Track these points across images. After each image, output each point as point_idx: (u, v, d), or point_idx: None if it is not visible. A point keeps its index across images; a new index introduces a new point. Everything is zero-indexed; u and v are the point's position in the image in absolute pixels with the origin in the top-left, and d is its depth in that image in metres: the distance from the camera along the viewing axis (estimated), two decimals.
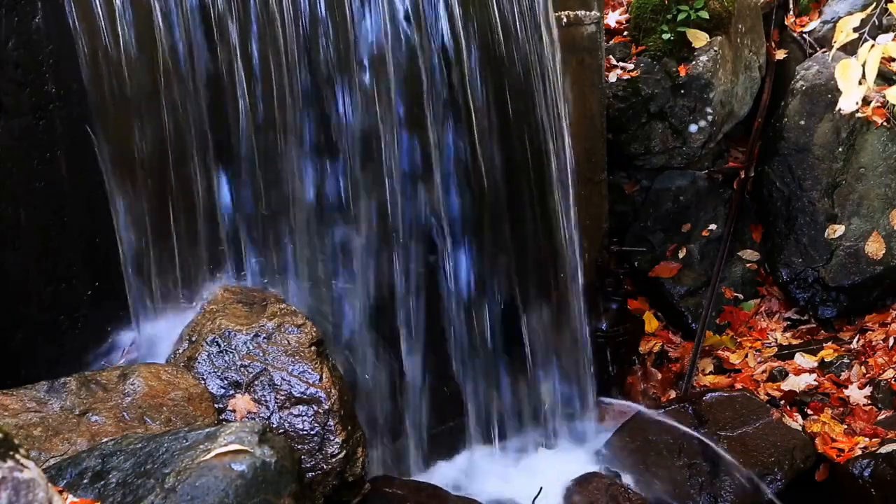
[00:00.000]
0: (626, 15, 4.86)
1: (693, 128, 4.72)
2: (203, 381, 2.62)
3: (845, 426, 3.89)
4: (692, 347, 4.42)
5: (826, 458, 3.68)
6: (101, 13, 2.66)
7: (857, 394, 4.07)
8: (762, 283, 4.77)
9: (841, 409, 4.03)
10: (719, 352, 4.49)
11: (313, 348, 2.71)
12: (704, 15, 4.65)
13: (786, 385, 4.18)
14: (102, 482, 1.96)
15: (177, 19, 2.80)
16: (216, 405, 2.58)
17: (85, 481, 1.98)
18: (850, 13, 3.97)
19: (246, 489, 1.85)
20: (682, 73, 4.65)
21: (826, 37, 4.96)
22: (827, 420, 3.92)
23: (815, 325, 4.58)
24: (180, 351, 2.73)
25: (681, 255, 4.68)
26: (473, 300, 3.57)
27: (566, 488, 3.43)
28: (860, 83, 2.60)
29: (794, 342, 4.51)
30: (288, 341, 2.70)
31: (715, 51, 4.68)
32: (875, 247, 4.47)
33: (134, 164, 2.81)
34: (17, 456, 1.30)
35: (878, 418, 3.91)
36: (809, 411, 4.05)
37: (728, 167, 4.93)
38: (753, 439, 3.62)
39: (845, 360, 4.27)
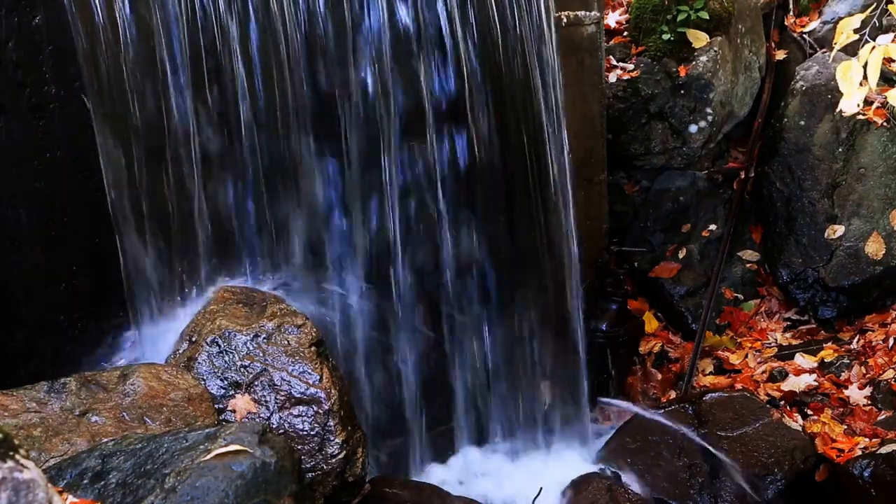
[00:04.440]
0: (626, 15, 4.86)
1: (693, 128, 4.72)
2: (203, 382, 2.62)
3: (845, 426, 3.89)
4: (692, 348, 4.42)
5: (826, 459, 3.67)
6: (100, 13, 2.66)
7: (857, 394, 4.07)
8: (762, 284, 4.77)
9: (841, 409, 4.03)
10: (719, 352, 4.49)
11: (313, 348, 2.71)
12: (704, 15, 4.65)
13: (786, 385, 4.18)
14: (102, 482, 1.96)
15: (176, 19, 2.80)
16: (216, 405, 2.58)
17: (85, 481, 1.98)
18: (850, 14, 3.98)
19: (246, 489, 1.85)
20: (682, 74, 4.65)
21: (826, 37, 4.96)
22: (827, 420, 3.92)
23: (815, 326, 4.58)
24: (180, 351, 2.73)
25: (681, 255, 4.68)
26: (473, 301, 3.57)
27: (566, 488, 3.43)
28: (861, 85, 2.60)
29: (794, 342, 4.52)
30: (288, 341, 2.70)
31: (715, 51, 4.68)
32: (875, 247, 4.47)
33: (134, 164, 2.81)
34: (17, 456, 1.30)
35: (878, 419, 3.91)
36: (809, 412, 4.05)
37: (728, 167, 4.93)
38: (753, 440, 3.62)
39: (845, 361, 4.27)
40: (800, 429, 3.81)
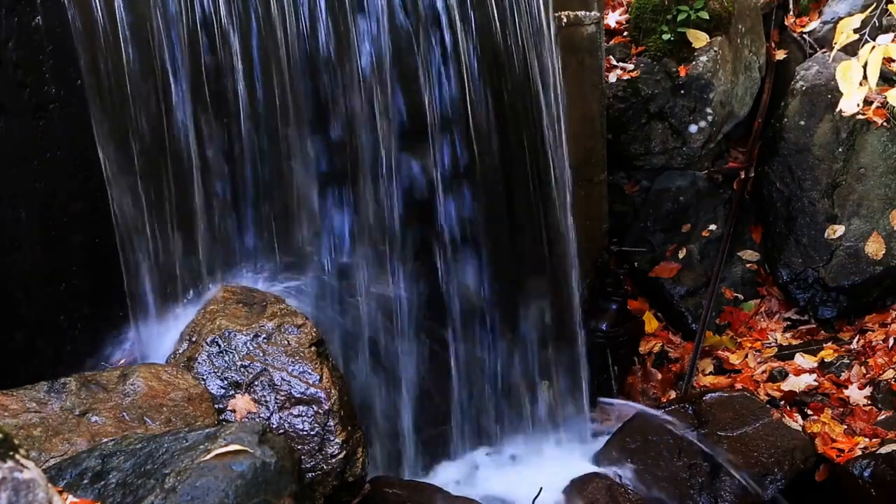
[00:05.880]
0: (626, 15, 4.86)
1: (693, 128, 4.72)
2: (203, 382, 2.62)
3: (845, 426, 3.89)
4: (692, 348, 4.42)
5: (826, 459, 3.67)
6: (100, 13, 2.66)
7: (857, 394, 4.07)
8: (762, 284, 4.77)
9: (841, 409, 4.03)
10: (719, 352, 4.49)
11: (313, 348, 2.70)
12: (704, 15, 4.65)
13: (786, 385, 4.18)
14: (102, 482, 1.96)
15: (176, 19, 2.80)
16: (216, 405, 2.58)
17: (85, 481, 1.98)
18: (850, 14, 3.99)
19: (246, 489, 1.85)
20: (682, 74, 4.65)
21: (826, 37, 4.96)
22: (827, 420, 3.92)
23: (815, 326, 4.58)
24: (180, 351, 2.73)
25: (681, 255, 4.68)
26: (472, 301, 3.57)
27: (566, 488, 3.42)
28: (861, 84, 2.60)
29: (794, 342, 4.52)
30: (288, 341, 2.70)
31: (715, 51, 4.68)
32: (875, 247, 4.47)
33: (134, 164, 2.81)
34: (17, 456, 1.30)
35: (878, 418, 3.91)
36: (809, 411, 4.05)
37: (728, 167, 4.93)
38: (753, 440, 3.62)
39: (845, 361, 4.27)
40: (800, 429, 3.80)
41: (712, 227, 4.75)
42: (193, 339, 2.73)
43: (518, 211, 3.66)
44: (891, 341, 4.29)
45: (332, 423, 2.60)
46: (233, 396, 2.62)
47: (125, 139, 2.78)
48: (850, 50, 3.23)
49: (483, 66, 3.38)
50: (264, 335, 2.71)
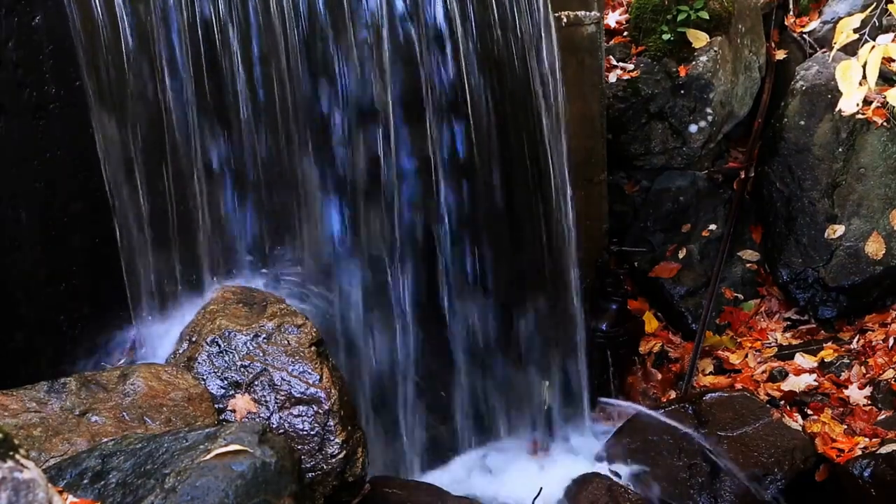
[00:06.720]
0: (626, 15, 4.86)
1: (693, 128, 4.72)
2: (203, 382, 2.62)
3: (845, 426, 3.89)
4: (692, 347, 4.42)
5: (826, 459, 3.67)
6: (101, 13, 2.66)
7: (857, 394, 4.08)
8: (762, 284, 4.77)
9: (841, 409, 4.03)
10: (719, 352, 4.49)
11: (313, 348, 2.70)
12: (704, 15, 4.65)
13: (786, 385, 4.18)
14: (102, 482, 1.96)
15: (176, 18, 2.80)
16: (216, 405, 2.58)
17: (85, 481, 1.98)
18: (849, 14, 3.98)
19: (246, 489, 1.85)
20: (682, 74, 4.65)
21: (826, 37, 4.96)
22: (827, 420, 3.92)
23: (815, 326, 4.58)
24: (180, 351, 2.73)
25: (681, 255, 4.68)
26: (472, 302, 3.57)
27: (566, 488, 3.43)
28: (861, 84, 2.60)
29: (794, 342, 4.52)
30: (288, 341, 2.70)
31: (715, 51, 4.68)
32: (875, 247, 4.47)
33: (134, 164, 2.81)
34: (17, 456, 1.30)
35: (878, 418, 3.91)
36: (809, 411, 4.05)
37: (728, 167, 4.93)
38: (753, 439, 3.62)
39: (845, 361, 4.27)
40: (800, 429, 3.81)
41: (712, 227, 4.76)
42: (193, 339, 2.73)
43: (518, 211, 3.66)
44: (891, 341, 4.29)
45: (332, 423, 2.60)
46: (233, 396, 2.62)
47: (125, 139, 2.78)
48: (850, 50, 3.23)
49: (483, 65, 3.38)
50: (264, 335, 2.71)
